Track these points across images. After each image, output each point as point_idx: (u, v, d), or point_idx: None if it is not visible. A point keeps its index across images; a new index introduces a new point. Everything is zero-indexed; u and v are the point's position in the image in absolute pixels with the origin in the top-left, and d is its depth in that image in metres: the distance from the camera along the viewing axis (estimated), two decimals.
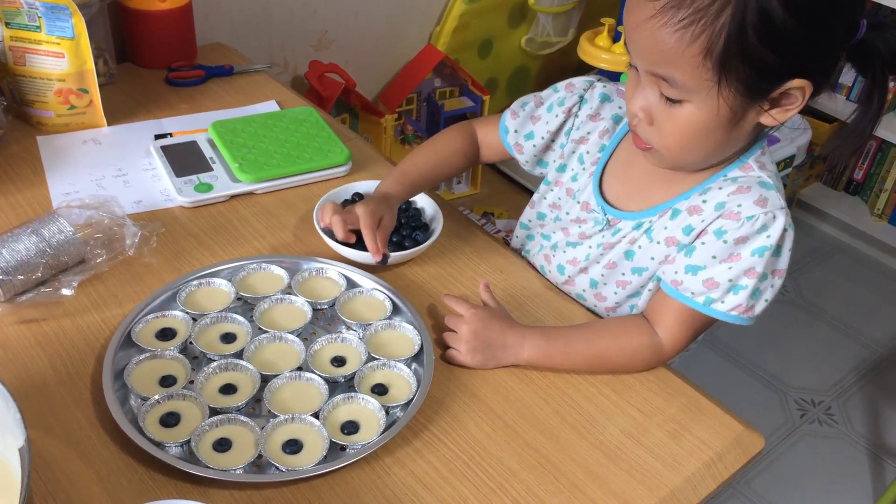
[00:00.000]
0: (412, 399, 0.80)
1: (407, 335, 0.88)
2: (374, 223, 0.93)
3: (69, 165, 1.12)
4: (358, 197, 1.05)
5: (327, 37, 1.80)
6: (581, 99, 0.98)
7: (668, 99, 0.78)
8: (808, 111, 2.17)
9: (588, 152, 0.97)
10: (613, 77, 1.89)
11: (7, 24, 1.13)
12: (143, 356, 0.82)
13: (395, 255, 0.96)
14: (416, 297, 0.95)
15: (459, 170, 1.08)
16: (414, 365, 0.85)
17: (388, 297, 0.92)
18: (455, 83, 2.04)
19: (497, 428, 0.81)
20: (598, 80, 0.99)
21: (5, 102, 1.15)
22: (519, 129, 1.02)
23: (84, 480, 0.72)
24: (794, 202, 2.52)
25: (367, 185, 1.06)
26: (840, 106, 2.24)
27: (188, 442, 0.74)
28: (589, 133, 0.97)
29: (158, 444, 0.74)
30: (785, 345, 2.10)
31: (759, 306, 0.85)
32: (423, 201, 1.06)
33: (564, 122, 0.99)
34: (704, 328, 0.89)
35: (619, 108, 0.97)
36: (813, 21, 0.72)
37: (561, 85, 1.01)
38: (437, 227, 1.01)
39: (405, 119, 2.01)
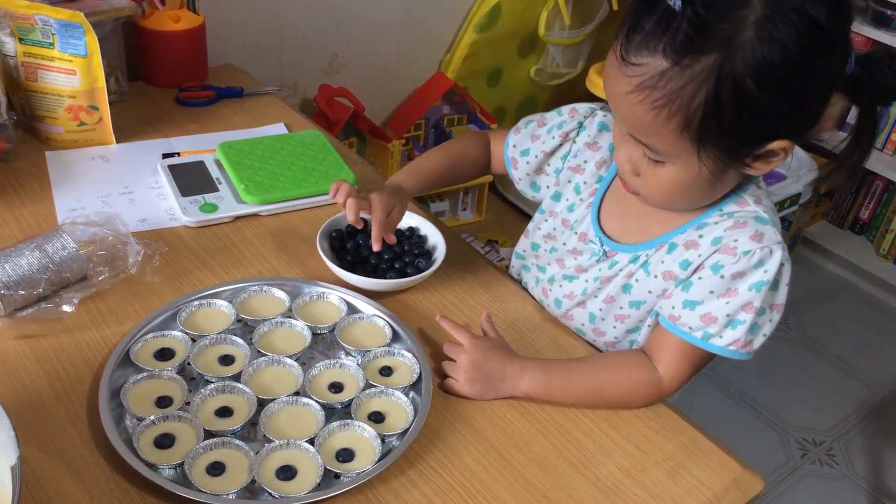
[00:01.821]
0: (409, 428, 0.80)
1: (406, 363, 0.88)
2: (385, 215, 0.94)
3: (76, 181, 1.13)
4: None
5: (338, 60, 1.82)
6: (580, 125, 0.99)
7: (652, 159, 0.79)
8: (814, 149, 2.17)
9: (585, 182, 0.98)
10: None
11: (21, 40, 1.14)
12: (140, 376, 0.81)
13: (396, 283, 0.96)
14: (417, 324, 0.95)
15: (471, 176, 1.11)
16: (412, 393, 0.85)
17: (389, 323, 0.91)
18: (463, 111, 2.05)
19: (493, 460, 0.80)
20: (601, 109, 0.99)
21: (15, 117, 1.16)
22: (517, 145, 1.04)
23: (75, 501, 0.72)
24: (799, 239, 2.52)
25: None
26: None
27: (182, 464, 0.74)
28: (586, 162, 0.98)
29: (152, 466, 0.73)
30: (787, 383, 2.09)
31: (758, 341, 0.85)
32: (426, 229, 1.06)
33: (560, 145, 1.00)
34: (704, 363, 0.88)
35: None
36: (789, 93, 0.72)
37: (565, 109, 1.02)
38: (440, 254, 1.01)
39: (412, 145, 2.02)
